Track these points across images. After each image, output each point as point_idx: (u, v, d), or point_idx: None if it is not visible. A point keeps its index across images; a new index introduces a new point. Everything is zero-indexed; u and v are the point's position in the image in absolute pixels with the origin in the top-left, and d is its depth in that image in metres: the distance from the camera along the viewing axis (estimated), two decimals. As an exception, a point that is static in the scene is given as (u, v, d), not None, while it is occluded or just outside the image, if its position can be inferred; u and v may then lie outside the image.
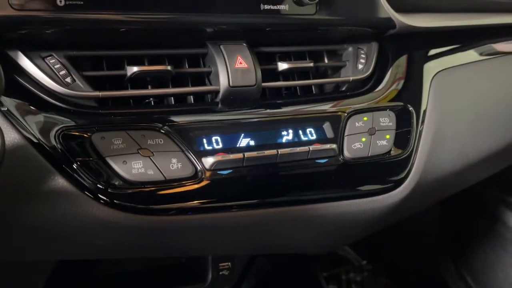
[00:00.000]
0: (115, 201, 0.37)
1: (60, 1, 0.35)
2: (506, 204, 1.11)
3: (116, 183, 0.36)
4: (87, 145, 0.36)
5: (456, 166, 0.53)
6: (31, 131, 0.35)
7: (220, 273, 0.68)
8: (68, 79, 0.37)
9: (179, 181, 0.37)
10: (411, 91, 0.48)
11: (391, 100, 0.47)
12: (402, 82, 0.49)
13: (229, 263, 0.67)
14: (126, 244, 0.43)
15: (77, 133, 0.36)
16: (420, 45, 0.53)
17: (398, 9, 0.49)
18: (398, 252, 1.42)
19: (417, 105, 0.48)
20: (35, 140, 0.35)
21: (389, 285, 1.45)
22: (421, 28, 0.50)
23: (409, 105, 0.48)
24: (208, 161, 0.38)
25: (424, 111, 0.48)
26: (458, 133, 0.53)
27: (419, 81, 0.50)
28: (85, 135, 0.36)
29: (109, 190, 0.36)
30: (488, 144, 0.59)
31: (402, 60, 0.50)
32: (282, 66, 0.45)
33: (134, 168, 0.36)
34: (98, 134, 0.36)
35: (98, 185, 0.36)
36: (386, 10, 0.47)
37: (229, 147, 0.40)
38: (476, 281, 1.22)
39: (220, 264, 0.67)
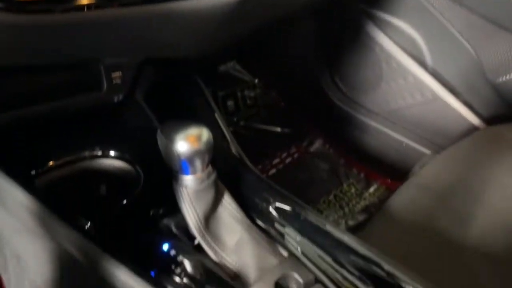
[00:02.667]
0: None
1: None
2: (368, 15, 1.28)
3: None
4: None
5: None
6: None
7: (114, 82, 0.79)
8: None
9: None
10: None
11: None
12: None
13: (120, 72, 0.77)
14: (12, 44, 0.51)
15: None
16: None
17: None
18: (283, 66, 1.61)
19: None
20: None
21: (277, 98, 1.67)
22: None
23: None
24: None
25: None
26: None
27: None
28: None
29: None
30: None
31: None
32: None
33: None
34: None
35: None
36: None
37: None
38: (344, 83, 1.46)
39: (112, 73, 0.77)
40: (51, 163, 0.72)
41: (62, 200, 0.67)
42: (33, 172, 0.70)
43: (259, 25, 0.81)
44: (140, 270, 0.55)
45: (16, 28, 0.46)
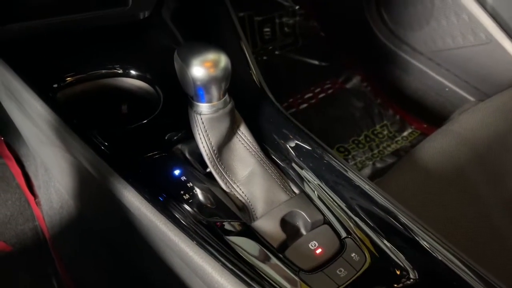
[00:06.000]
0: None
1: None
2: None
3: None
4: None
5: None
6: None
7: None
8: None
9: None
10: None
11: None
12: None
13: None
14: None
15: None
16: None
17: None
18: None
19: None
20: None
21: (317, 28, 1.58)
22: None
23: None
24: None
25: None
26: None
27: None
28: None
29: None
30: None
31: None
32: None
33: None
34: None
35: None
36: None
37: None
38: (390, 16, 1.35)
39: (138, -12, 0.73)
40: (72, 77, 0.71)
41: (81, 116, 0.67)
42: (54, 85, 0.70)
43: None
44: (148, 194, 0.55)
45: None
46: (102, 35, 0.75)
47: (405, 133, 1.39)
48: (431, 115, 1.36)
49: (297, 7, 1.52)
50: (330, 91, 1.48)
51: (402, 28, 1.35)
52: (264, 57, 1.46)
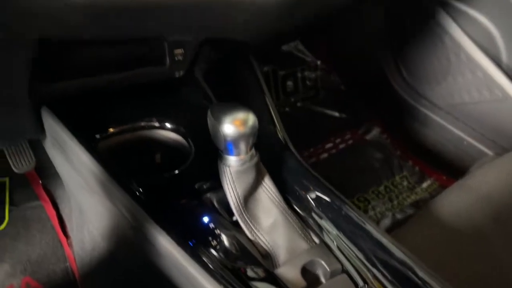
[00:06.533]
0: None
1: None
2: (441, 3, 1.22)
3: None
4: None
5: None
6: None
7: (176, 58, 0.83)
8: None
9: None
10: None
11: None
12: None
13: (182, 49, 0.82)
14: (92, 21, 0.56)
15: None
16: None
17: None
18: (348, 52, 1.58)
19: None
20: None
21: (338, 82, 1.66)
22: None
23: None
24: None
25: None
26: None
27: None
28: None
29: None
30: None
31: None
32: None
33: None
34: None
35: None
36: None
37: None
38: (408, 71, 1.41)
39: (175, 50, 0.82)
40: (112, 129, 0.78)
41: (119, 164, 0.73)
42: (97, 136, 0.77)
43: (317, 16, 0.81)
44: (179, 239, 0.60)
45: (95, 7, 0.51)
46: (142, 90, 0.83)
47: (425, 185, 1.41)
48: (450, 168, 1.38)
49: (318, 62, 1.61)
50: (350, 142, 1.53)
51: (419, 82, 1.40)
52: (287, 109, 1.53)
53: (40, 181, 1.22)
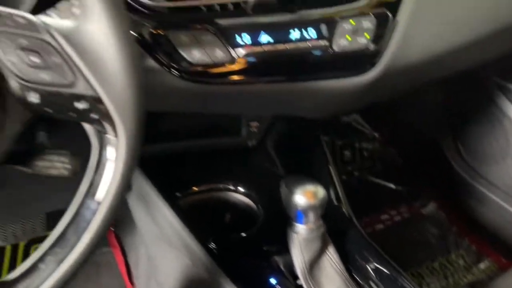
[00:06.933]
0: (183, 74, 0.60)
1: None
2: (501, 88, 1.27)
3: (184, 64, 0.59)
4: (165, 39, 0.58)
5: (426, 56, 0.71)
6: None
7: (251, 129, 0.94)
8: None
9: (222, 64, 0.60)
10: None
11: (374, 7, 0.64)
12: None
13: (257, 122, 0.92)
14: (187, 101, 0.68)
15: (160, 31, 0.58)
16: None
17: None
18: (406, 126, 1.64)
19: (394, 10, 0.65)
20: (136, 35, 0.57)
21: (395, 155, 1.70)
22: None
23: (387, 11, 0.65)
24: (240, 52, 0.59)
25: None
26: (431, 22, 0.67)
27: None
28: (163, 32, 0.58)
29: (179, 68, 0.59)
30: (465, 33, 0.74)
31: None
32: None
33: (195, 55, 0.58)
34: (173, 32, 0.58)
35: (173, 64, 0.59)
36: None
37: (255, 41, 0.61)
38: (466, 150, 1.44)
39: (250, 123, 0.93)
40: (193, 188, 0.88)
41: (196, 221, 0.82)
42: (178, 194, 0.87)
43: (388, 98, 0.89)
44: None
45: (185, 90, 0.62)
46: (219, 155, 0.93)
47: (482, 266, 1.38)
48: (509, 250, 1.35)
49: (376, 135, 1.67)
50: (406, 215, 1.54)
51: (477, 161, 1.42)
52: (343, 177, 1.59)
53: (113, 229, 1.33)
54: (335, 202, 0.85)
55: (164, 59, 0.58)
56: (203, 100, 0.68)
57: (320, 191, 0.68)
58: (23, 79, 0.35)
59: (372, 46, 0.63)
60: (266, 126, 0.93)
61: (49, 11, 0.49)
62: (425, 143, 1.61)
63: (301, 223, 0.69)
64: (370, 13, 0.63)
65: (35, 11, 0.50)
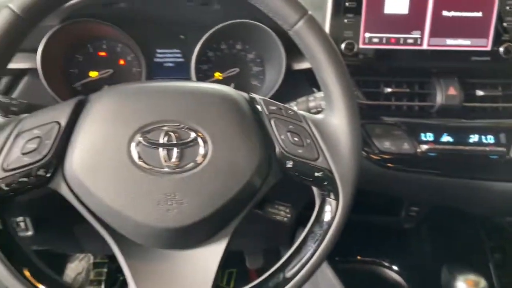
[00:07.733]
0: (370, 157, 0.74)
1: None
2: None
3: (374, 149, 0.72)
4: (363, 129, 0.73)
5: None
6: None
7: (410, 213, 1.02)
8: None
9: (407, 155, 0.71)
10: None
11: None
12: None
13: (417, 208, 1.00)
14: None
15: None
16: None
17: None
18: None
19: None
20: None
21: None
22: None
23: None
24: (424, 147, 0.70)
25: None
26: None
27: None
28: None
29: (368, 151, 0.73)
30: None
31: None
32: (479, 93, 0.74)
33: (385, 145, 0.72)
34: (368, 124, 0.73)
35: (365, 148, 0.73)
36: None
37: (437, 140, 0.71)
38: None
39: (411, 207, 1.01)
40: (357, 257, 0.99)
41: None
42: (336, 258, 0.98)
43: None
44: None
45: (366, 170, 0.74)
46: (376, 231, 1.03)
47: None
48: None
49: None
50: None
51: None
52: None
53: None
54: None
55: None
56: (379, 182, 0.80)
57: (482, 282, 0.73)
58: (285, 151, 0.52)
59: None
60: (426, 212, 1.00)
61: (291, 103, 0.67)
62: None
63: (459, 309, 0.74)
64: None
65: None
